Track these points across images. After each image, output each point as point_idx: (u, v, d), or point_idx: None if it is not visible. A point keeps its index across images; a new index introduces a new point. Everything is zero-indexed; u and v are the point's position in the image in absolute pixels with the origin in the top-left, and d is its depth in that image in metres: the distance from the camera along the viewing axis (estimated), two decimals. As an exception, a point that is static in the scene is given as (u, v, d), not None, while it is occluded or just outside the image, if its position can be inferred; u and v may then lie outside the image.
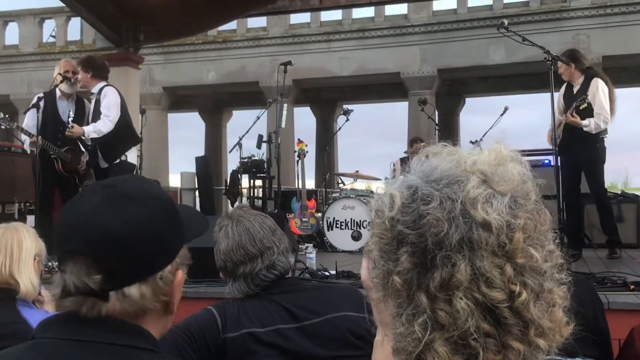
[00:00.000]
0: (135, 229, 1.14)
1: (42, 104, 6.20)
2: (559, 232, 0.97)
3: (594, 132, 6.28)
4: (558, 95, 6.71)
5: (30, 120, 6.23)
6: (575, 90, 6.56)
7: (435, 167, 0.90)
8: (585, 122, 6.22)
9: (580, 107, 6.21)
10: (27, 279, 2.49)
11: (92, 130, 6.15)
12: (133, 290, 1.13)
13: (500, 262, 0.83)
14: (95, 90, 6.40)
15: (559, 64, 6.50)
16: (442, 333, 0.82)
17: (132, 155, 6.55)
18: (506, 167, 0.90)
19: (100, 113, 6.25)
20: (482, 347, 0.81)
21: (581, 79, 6.55)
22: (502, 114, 8.94)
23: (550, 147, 6.53)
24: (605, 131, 6.43)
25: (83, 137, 6.22)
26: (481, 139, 8.30)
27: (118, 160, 6.39)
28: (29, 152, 6.56)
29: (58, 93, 6.44)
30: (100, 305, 1.11)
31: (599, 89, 6.36)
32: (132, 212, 1.14)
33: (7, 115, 6.24)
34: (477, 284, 0.82)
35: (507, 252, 0.83)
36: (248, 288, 2.22)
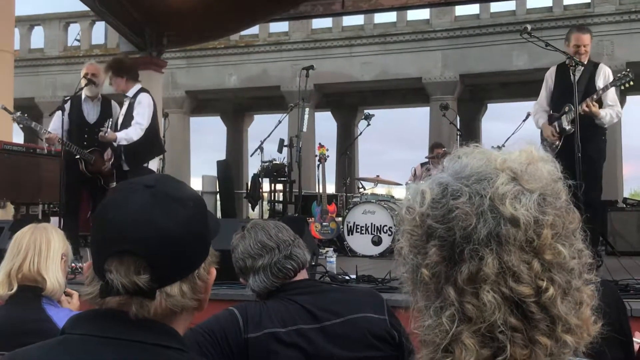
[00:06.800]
0: (183, 229, 1.16)
1: (67, 106, 6.31)
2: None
3: (605, 126, 5.65)
4: (546, 79, 6.00)
5: (56, 122, 6.34)
6: (577, 76, 5.47)
7: (465, 165, 0.92)
8: (602, 112, 5.51)
9: (623, 86, 5.45)
10: (54, 277, 2.52)
11: (124, 137, 6.20)
12: (175, 289, 1.15)
13: (528, 258, 0.84)
14: (130, 93, 6.44)
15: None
16: (470, 326, 0.83)
17: (152, 164, 6.61)
18: (536, 166, 0.92)
19: (132, 118, 6.30)
20: (509, 340, 0.82)
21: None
22: (524, 120, 8.84)
23: (549, 141, 5.79)
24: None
25: (114, 143, 6.28)
26: (503, 145, 8.23)
27: None
28: (45, 147, 6.67)
29: (83, 95, 6.52)
30: (149, 304, 1.13)
31: (610, 78, 5.63)
32: (179, 212, 1.17)
33: (25, 115, 6.36)
34: (504, 278, 0.83)
35: (534, 247, 0.84)
36: (268, 280, 2.26)
